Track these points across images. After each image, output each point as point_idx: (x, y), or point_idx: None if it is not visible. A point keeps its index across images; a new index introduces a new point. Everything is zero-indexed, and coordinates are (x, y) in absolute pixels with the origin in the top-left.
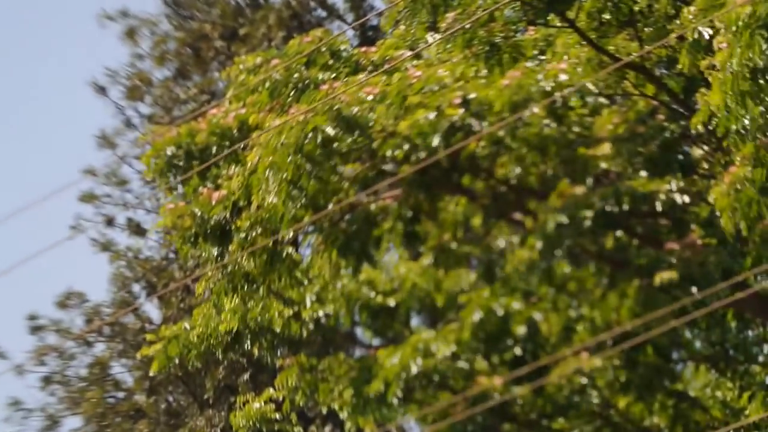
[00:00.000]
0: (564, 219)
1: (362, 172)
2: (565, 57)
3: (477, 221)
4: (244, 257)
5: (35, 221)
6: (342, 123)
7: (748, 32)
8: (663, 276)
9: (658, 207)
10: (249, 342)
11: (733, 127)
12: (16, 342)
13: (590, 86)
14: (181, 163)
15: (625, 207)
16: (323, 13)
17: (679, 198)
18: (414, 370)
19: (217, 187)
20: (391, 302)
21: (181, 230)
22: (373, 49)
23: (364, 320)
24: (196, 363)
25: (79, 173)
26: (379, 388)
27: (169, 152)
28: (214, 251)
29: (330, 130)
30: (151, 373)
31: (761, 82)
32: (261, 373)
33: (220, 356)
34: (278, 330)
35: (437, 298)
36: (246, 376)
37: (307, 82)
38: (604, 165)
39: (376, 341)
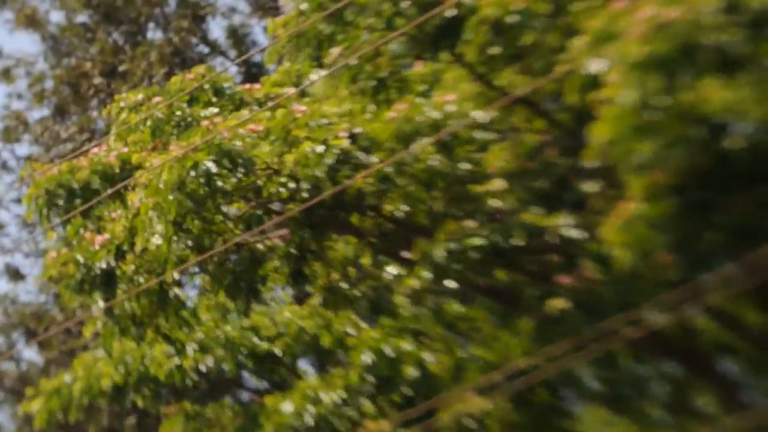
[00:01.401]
0: (452, 247)
1: (247, 212)
2: (453, 91)
3: (366, 260)
4: (131, 300)
5: None
6: (224, 158)
7: (640, 68)
8: (554, 305)
9: (550, 242)
10: (132, 393)
11: (625, 161)
12: None
13: (479, 119)
14: (62, 202)
15: (516, 242)
16: (206, 50)
17: (571, 233)
18: (307, 419)
19: (100, 229)
20: (277, 348)
21: (65, 278)
22: (257, 85)
23: (250, 366)
24: (78, 416)
25: None
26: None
27: (50, 191)
28: (99, 299)
29: (212, 166)
30: (35, 429)
31: (652, 117)
32: (146, 417)
33: (104, 407)
34: (162, 378)
35: (325, 340)
36: (131, 421)
37: (189, 119)
38: (494, 201)
39: (262, 386)
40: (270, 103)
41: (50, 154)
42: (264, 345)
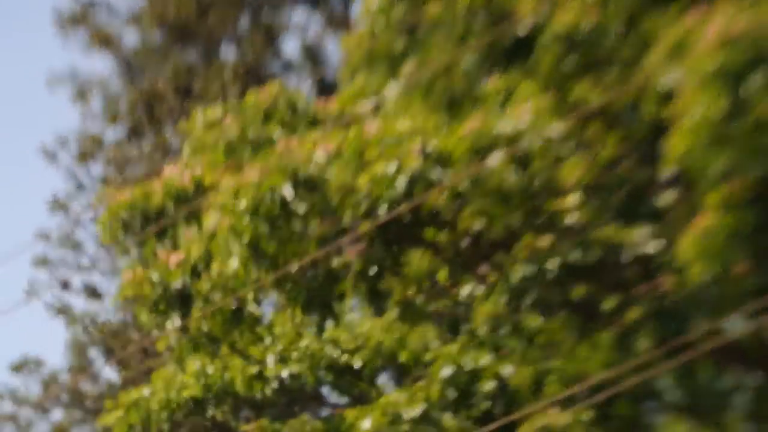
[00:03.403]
0: (529, 271)
1: (322, 230)
2: (527, 105)
3: (442, 275)
4: (206, 317)
5: None
6: (299, 183)
7: (714, 80)
8: (633, 317)
9: (627, 257)
10: (212, 407)
11: (702, 173)
12: None
13: (553, 134)
14: (136, 226)
15: (593, 258)
16: (279, 67)
17: (648, 247)
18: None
19: (175, 248)
20: (356, 361)
21: (141, 299)
22: (331, 102)
23: (329, 380)
24: (159, 429)
25: (33, 238)
26: None
27: (124, 215)
28: (176, 317)
29: (288, 192)
30: None
31: (728, 128)
32: None
33: (182, 421)
34: (241, 392)
35: (402, 355)
36: None
37: (263, 139)
38: (571, 216)
39: (341, 400)
40: (343, 120)
41: (124, 174)
42: (343, 358)
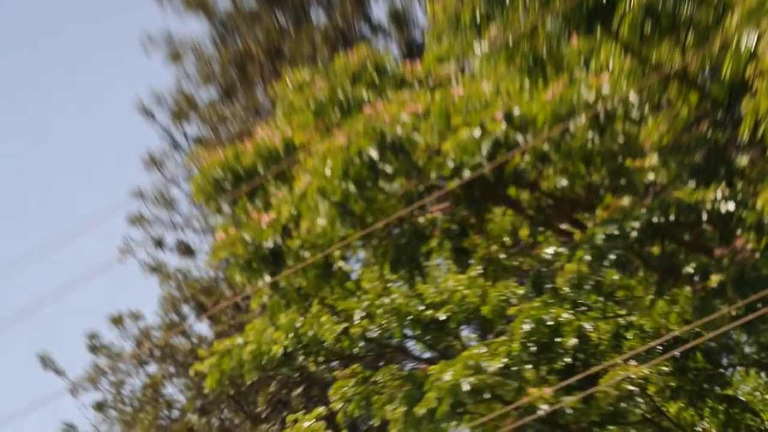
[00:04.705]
0: (613, 230)
1: (409, 189)
2: (608, 68)
3: (524, 232)
4: (297, 274)
5: (86, 244)
6: (386, 145)
7: None
8: (714, 280)
9: (705, 216)
10: (302, 357)
11: None
12: (70, 363)
13: (633, 98)
14: (228, 186)
15: (672, 218)
16: (368, 31)
17: (725, 206)
18: (465, 387)
19: (267, 207)
20: (441, 316)
21: (234, 258)
22: (418, 64)
23: (415, 333)
24: (251, 378)
25: (128, 195)
26: (431, 404)
27: (216, 175)
28: (267, 275)
29: (375, 154)
30: (205, 390)
31: None
32: (313, 387)
33: (273, 372)
34: (330, 345)
35: (484, 309)
36: (298, 391)
37: (351, 101)
38: (650, 176)
39: (427, 354)
40: (430, 83)
41: (217, 134)
42: (429, 312)
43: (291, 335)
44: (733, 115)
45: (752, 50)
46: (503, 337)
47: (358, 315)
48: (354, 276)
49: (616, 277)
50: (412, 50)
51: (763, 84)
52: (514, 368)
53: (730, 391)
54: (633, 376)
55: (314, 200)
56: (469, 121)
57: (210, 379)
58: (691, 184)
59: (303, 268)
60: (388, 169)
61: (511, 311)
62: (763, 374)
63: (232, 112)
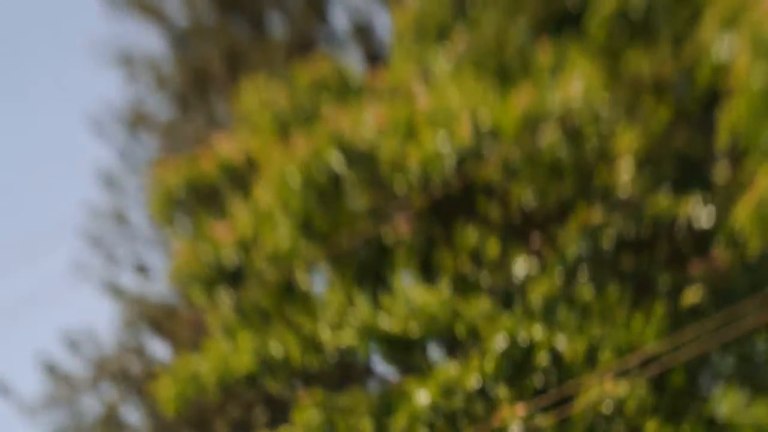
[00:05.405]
0: (583, 245)
1: (372, 203)
2: (578, 74)
3: (493, 248)
4: (258, 292)
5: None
6: (349, 156)
7: None
8: (689, 297)
9: (680, 228)
10: (265, 379)
11: (756, 144)
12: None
13: (604, 107)
14: (186, 201)
15: (646, 230)
16: (328, 39)
17: (701, 218)
18: (442, 409)
19: (226, 223)
20: (408, 333)
21: (193, 276)
22: (381, 74)
23: (381, 351)
24: (215, 399)
25: (80, 212)
26: (403, 424)
27: (174, 189)
28: (228, 293)
29: (337, 165)
30: (163, 414)
31: None
32: (275, 408)
33: (233, 394)
34: (294, 365)
35: (457, 328)
36: (260, 412)
37: (312, 112)
38: (623, 187)
39: (392, 372)
40: (393, 93)
41: (174, 145)
42: (395, 329)
43: (254, 356)
44: (709, 125)
45: (725, 59)
46: (474, 355)
47: (326, 327)
48: (317, 291)
49: (590, 293)
50: (375, 59)
51: (738, 95)
52: (488, 387)
53: (709, 409)
54: (610, 395)
55: (276, 215)
56: (435, 130)
57: (169, 403)
58: (666, 195)
59: (264, 287)
60: (351, 180)
61: (483, 329)
62: (744, 390)
63: (188, 122)
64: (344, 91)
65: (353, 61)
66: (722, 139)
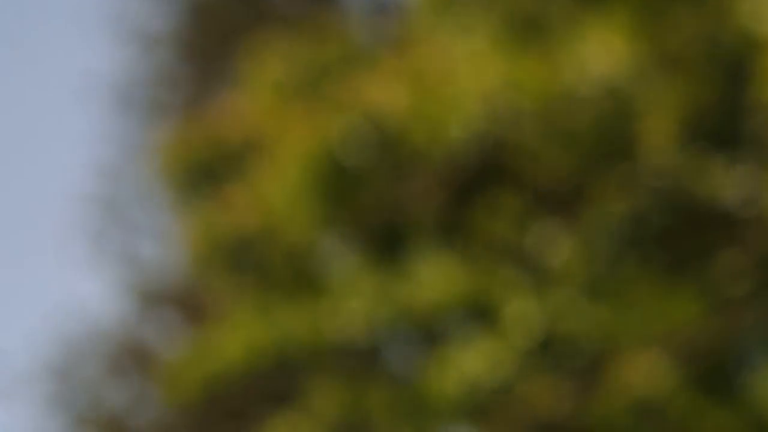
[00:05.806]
0: (609, 226)
1: (383, 184)
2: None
3: (515, 223)
4: (265, 276)
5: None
6: (356, 135)
7: None
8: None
9: (708, 211)
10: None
11: None
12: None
13: (627, 84)
14: (203, 168)
15: (677, 210)
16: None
17: (731, 201)
18: (461, 390)
19: (229, 201)
20: (422, 316)
21: (214, 247)
22: (392, 45)
23: (399, 330)
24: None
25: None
26: (422, 406)
27: (190, 154)
28: (234, 277)
29: (345, 144)
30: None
31: None
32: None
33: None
34: (307, 346)
35: (471, 309)
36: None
37: (319, 87)
38: (649, 164)
39: (413, 352)
40: (406, 64)
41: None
42: (416, 307)
43: (280, 330)
44: (744, 102)
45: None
46: (493, 340)
47: (334, 316)
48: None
49: (618, 275)
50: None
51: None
52: (512, 365)
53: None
54: (641, 378)
55: (283, 195)
56: (448, 110)
57: (189, 384)
58: (699, 174)
59: (271, 270)
60: (360, 161)
61: (502, 310)
62: None
63: (210, 88)
64: (349, 61)
65: (362, 32)
66: (757, 113)
